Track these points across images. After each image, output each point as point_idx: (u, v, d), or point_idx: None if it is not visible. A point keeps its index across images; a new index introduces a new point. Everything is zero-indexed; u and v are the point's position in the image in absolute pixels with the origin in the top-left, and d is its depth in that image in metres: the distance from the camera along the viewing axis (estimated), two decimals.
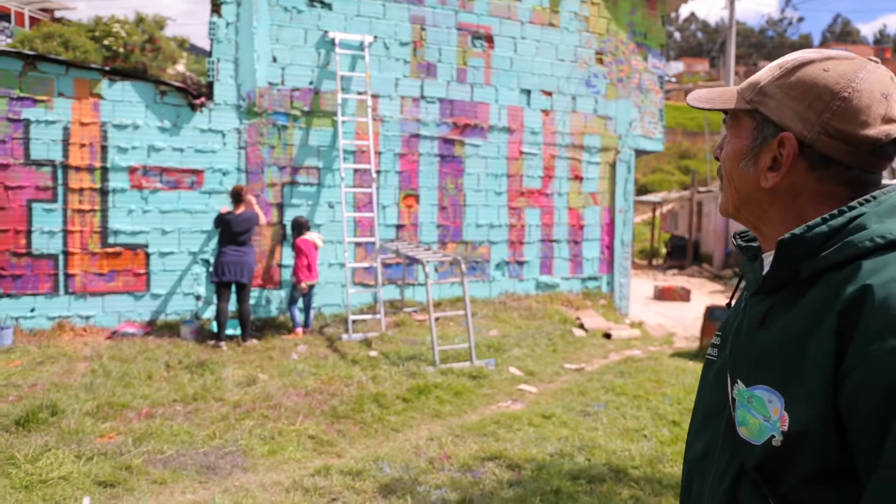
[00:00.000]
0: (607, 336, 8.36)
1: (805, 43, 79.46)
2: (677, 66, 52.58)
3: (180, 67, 23.29)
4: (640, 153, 10.42)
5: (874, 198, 0.92)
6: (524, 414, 5.08)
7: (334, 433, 4.58)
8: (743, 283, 1.09)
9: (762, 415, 0.89)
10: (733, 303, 1.13)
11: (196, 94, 7.79)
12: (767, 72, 1.01)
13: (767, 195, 0.99)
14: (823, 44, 72.49)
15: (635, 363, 6.87)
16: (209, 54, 7.85)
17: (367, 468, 3.90)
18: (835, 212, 0.92)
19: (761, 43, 78.07)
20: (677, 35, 67.16)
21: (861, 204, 0.91)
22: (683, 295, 12.40)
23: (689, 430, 1.13)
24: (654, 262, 19.98)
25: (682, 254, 18.48)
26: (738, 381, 0.94)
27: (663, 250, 20.68)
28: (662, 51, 10.29)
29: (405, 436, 4.64)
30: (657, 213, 22.71)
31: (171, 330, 7.25)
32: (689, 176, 28.67)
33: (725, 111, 1.05)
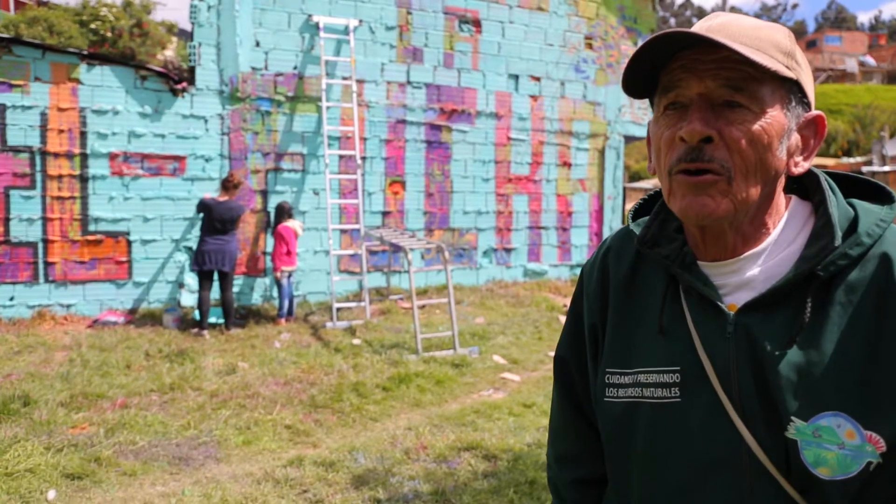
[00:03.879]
0: None
1: (800, 29, 79.19)
2: None
3: (169, 53, 23.02)
4: (629, 139, 10.34)
5: (831, 189, 0.89)
6: (505, 403, 5.05)
7: (311, 423, 4.54)
8: (684, 301, 0.90)
9: (836, 444, 0.78)
10: (665, 324, 0.91)
11: (177, 79, 7.67)
12: (781, 33, 0.84)
13: (775, 186, 0.86)
14: (818, 30, 72.22)
15: None
16: (191, 38, 7.72)
17: (341, 459, 3.86)
18: (827, 204, 0.85)
19: None
20: (672, 21, 66.83)
21: (818, 190, 0.87)
22: None
23: (656, 494, 0.90)
24: None
25: None
26: (794, 418, 0.79)
27: None
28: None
29: (383, 425, 4.60)
30: None
31: (153, 318, 7.19)
32: None
33: (654, 84, 0.86)
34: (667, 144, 0.85)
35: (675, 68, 0.83)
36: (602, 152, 9.86)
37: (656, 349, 0.90)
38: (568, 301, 8.89)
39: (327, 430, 4.46)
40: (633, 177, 22.40)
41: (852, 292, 0.80)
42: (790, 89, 0.83)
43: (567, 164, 9.64)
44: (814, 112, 0.86)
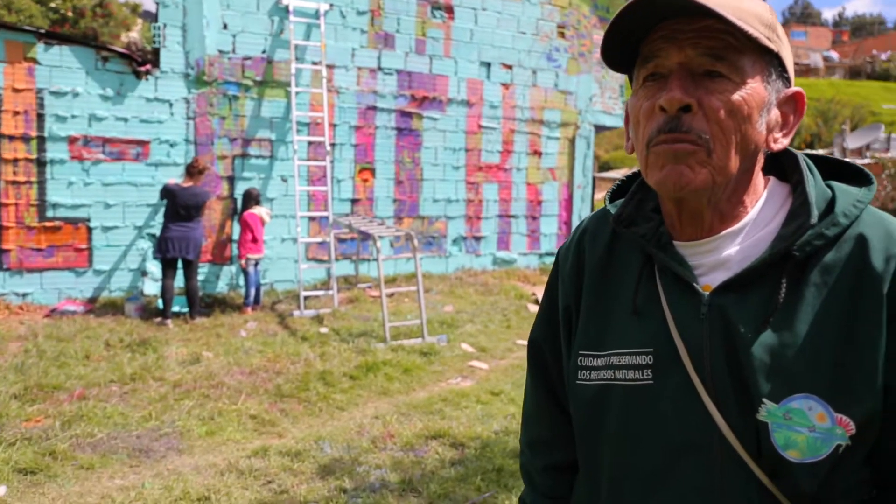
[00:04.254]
0: None
1: None
2: None
3: (134, 34, 22.41)
4: (599, 129, 10.39)
5: (810, 169, 0.88)
6: (472, 391, 5.05)
7: (277, 412, 4.48)
8: (659, 281, 0.88)
9: (806, 427, 0.77)
10: (639, 304, 0.90)
11: (141, 61, 7.45)
12: (764, 9, 0.83)
13: (754, 163, 0.85)
14: (785, 25, 73.46)
15: None
16: (156, 19, 7.50)
17: (307, 448, 3.81)
18: (804, 184, 0.84)
19: None
20: None
21: (796, 171, 0.86)
22: None
23: (617, 473, 0.90)
24: None
25: None
26: (765, 400, 0.78)
27: None
28: None
29: (350, 414, 4.56)
30: None
31: (114, 307, 7.00)
32: None
33: (633, 54, 0.85)
34: (646, 116, 0.83)
35: (655, 38, 0.82)
36: (572, 141, 9.89)
37: (629, 330, 0.89)
38: (537, 290, 8.95)
39: (293, 420, 4.40)
40: (603, 167, 22.56)
41: (828, 273, 0.79)
42: (770, 62, 0.82)
43: (537, 153, 9.65)
44: (794, 88, 0.85)
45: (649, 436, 0.85)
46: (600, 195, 24.92)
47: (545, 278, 9.74)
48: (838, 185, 0.84)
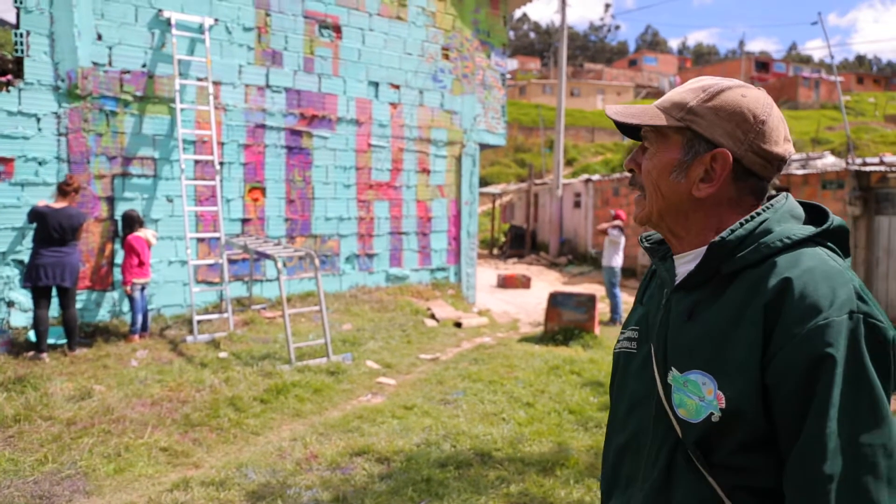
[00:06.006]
0: (458, 325, 8.64)
1: (622, 49, 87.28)
2: (512, 64, 55.42)
3: None
4: (483, 147, 10.85)
5: (771, 206, 1.08)
6: (386, 407, 5.12)
7: (189, 442, 4.30)
8: (654, 282, 1.24)
9: (697, 395, 1.01)
10: (644, 300, 1.24)
11: (0, 70, 6.84)
12: (691, 94, 1.11)
13: (694, 204, 1.11)
14: (637, 50, 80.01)
15: (487, 350, 7.19)
16: (15, 26, 6.91)
17: (230, 476, 3.71)
18: (748, 217, 1.06)
19: (586, 46, 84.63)
20: (511, 33, 70.66)
21: (764, 211, 1.07)
22: (525, 282, 13.15)
23: (611, 418, 1.23)
24: (494, 251, 20.94)
25: (521, 243, 19.56)
26: (672, 368, 1.05)
27: (503, 240, 21.73)
28: (504, 49, 10.78)
29: (266, 438, 4.48)
30: (496, 204, 23.80)
31: None
32: (524, 168, 30.36)
33: (639, 129, 1.15)
34: None
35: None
36: (459, 159, 10.26)
37: (635, 314, 1.24)
38: (431, 304, 9.17)
39: (208, 449, 4.25)
40: (481, 182, 23.40)
41: (741, 286, 1.02)
42: (684, 134, 1.10)
43: (426, 171, 9.91)
44: (716, 150, 1.07)
45: (625, 390, 1.18)
46: (480, 209, 25.82)
47: (437, 293, 9.93)
48: (786, 226, 1.05)
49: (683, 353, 1.05)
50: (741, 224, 1.05)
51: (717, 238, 1.05)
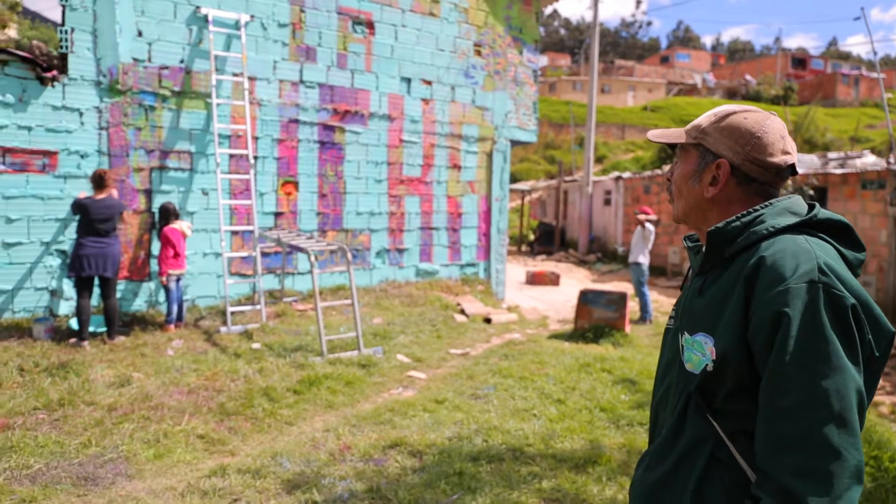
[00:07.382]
0: (487, 321, 8.65)
1: (654, 45, 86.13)
2: (542, 60, 55.10)
3: (12, 33, 20.80)
4: (514, 144, 10.81)
5: (771, 204, 1.32)
6: (417, 400, 5.16)
7: (225, 431, 4.39)
8: (690, 272, 1.51)
9: (700, 352, 1.28)
10: (684, 287, 1.51)
11: (46, 66, 7.02)
12: (706, 118, 1.42)
13: (708, 203, 1.40)
14: (669, 47, 78.86)
15: (516, 346, 7.18)
16: (59, 23, 7.08)
17: (265, 465, 3.78)
18: (746, 212, 1.31)
19: (617, 42, 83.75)
20: (542, 30, 70.35)
21: (763, 207, 1.32)
22: (553, 279, 13.09)
23: (654, 380, 1.51)
24: (523, 248, 20.87)
25: (550, 240, 19.46)
26: (685, 332, 1.33)
27: (531, 236, 21.64)
28: (536, 46, 10.72)
29: (300, 429, 4.55)
30: (526, 200, 23.70)
31: (19, 330, 6.52)
32: (554, 165, 30.15)
33: (674, 146, 1.46)
34: None
35: None
36: (490, 155, 10.25)
37: (679, 297, 1.49)
38: (460, 300, 9.19)
39: (243, 437, 4.33)
40: (510, 178, 23.32)
41: (734, 268, 1.27)
42: (698, 148, 1.40)
43: (457, 167, 9.92)
44: (718, 160, 1.36)
45: (663, 356, 1.47)
46: (510, 206, 25.74)
47: (467, 288, 9.94)
48: (777, 218, 1.29)
49: (693, 319, 1.32)
50: (738, 217, 1.30)
51: (711, 228, 1.31)
